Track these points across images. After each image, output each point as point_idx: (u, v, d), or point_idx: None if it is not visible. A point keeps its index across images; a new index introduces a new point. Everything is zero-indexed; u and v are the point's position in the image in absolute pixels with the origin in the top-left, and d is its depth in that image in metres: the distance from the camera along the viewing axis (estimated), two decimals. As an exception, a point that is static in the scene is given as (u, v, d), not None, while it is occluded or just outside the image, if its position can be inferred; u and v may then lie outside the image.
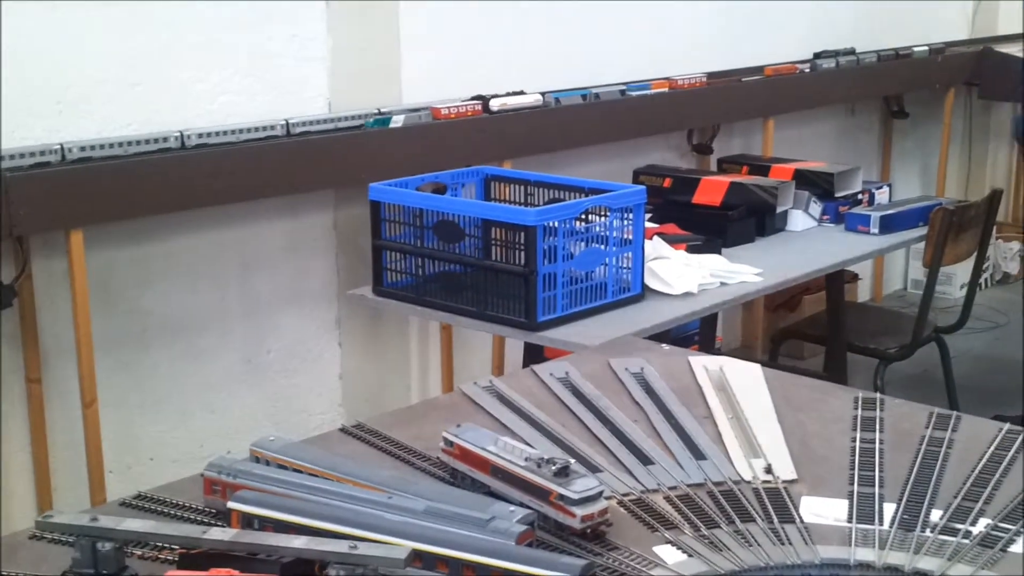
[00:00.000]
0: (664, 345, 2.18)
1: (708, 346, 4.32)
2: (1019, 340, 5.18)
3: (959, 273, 5.29)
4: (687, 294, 3.01)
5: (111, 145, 2.92)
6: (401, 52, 3.60)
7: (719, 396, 1.92)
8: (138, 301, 3.17)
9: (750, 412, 1.85)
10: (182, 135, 3.04)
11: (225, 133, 3.12)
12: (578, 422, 1.85)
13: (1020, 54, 5.51)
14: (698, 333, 4.25)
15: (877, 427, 1.80)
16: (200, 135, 3.07)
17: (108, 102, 3.01)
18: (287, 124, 3.24)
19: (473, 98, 3.67)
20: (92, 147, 2.89)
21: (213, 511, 1.53)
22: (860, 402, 1.89)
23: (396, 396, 3.77)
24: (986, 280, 5.80)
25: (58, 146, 2.84)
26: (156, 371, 3.24)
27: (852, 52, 5.02)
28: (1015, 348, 5.11)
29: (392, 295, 3.06)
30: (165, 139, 3.01)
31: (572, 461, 1.52)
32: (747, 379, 1.98)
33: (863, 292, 5.61)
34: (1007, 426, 1.79)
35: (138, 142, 2.96)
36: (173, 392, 3.28)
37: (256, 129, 3.17)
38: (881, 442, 1.75)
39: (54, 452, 3.03)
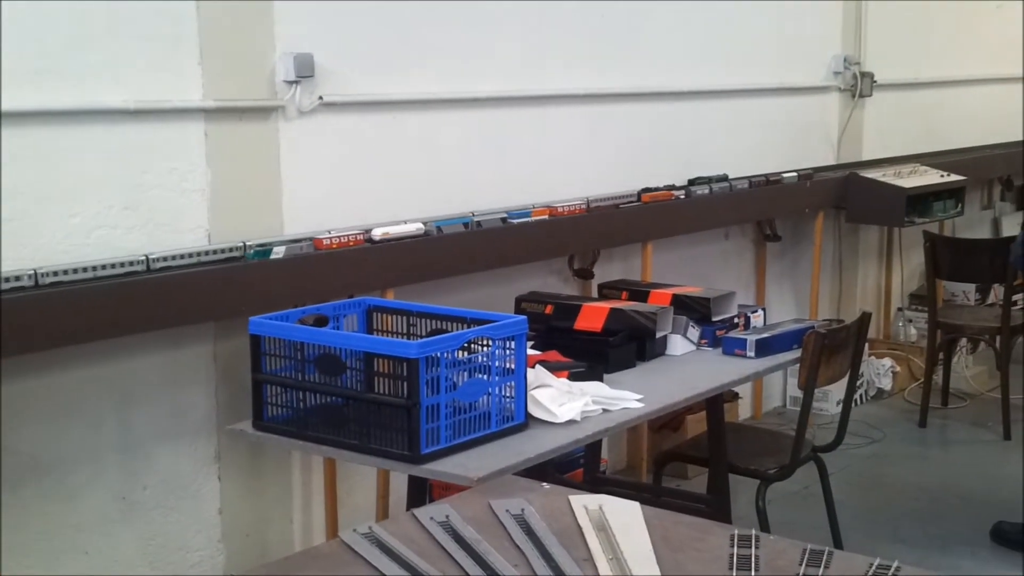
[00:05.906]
0: (545, 484, 2.19)
1: (593, 470, 4.34)
2: (894, 456, 5.32)
3: (835, 389, 5.41)
4: (571, 422, 3.03)
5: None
6: (282, 182, 3.61)
7: (599, 536, 1.93)
8: (4, 441, 3.06)
9: (629, 553, 1.86)
10: (37, 273, 2.96)
11: (96, 268, 3.07)
12: (458, 568, 1.83)
13: (883, 179, 5.76)
14: (583, 457, 4.27)
15: (752, 566, 1.82)
16: (67, 271, 3.01)
17: (-21, 238, 2.95)
18: (163, 257, 3.20)
19: (354, 227, 3.69)
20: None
21: None
22: (736, 540, 1.91)
23: (278, 530, 3.69)
24: (861, 396, 5.96)
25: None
26: (24, 513, 3.12)
27: (725, 178, 5.19)
28: (891, 463, 5.24)
29: (273, 429, 3.01)
30: (27, 276, 2.94)
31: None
32: (626, 518, 1.99)
33: (744, 410, 5.71)
34: (877, 561, 1.82)
35: (7, 279, 2.90)
36: (42, 534, 3.16)
37: (130, 263, 3.13)
38: (758, 581, 1.77)
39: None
